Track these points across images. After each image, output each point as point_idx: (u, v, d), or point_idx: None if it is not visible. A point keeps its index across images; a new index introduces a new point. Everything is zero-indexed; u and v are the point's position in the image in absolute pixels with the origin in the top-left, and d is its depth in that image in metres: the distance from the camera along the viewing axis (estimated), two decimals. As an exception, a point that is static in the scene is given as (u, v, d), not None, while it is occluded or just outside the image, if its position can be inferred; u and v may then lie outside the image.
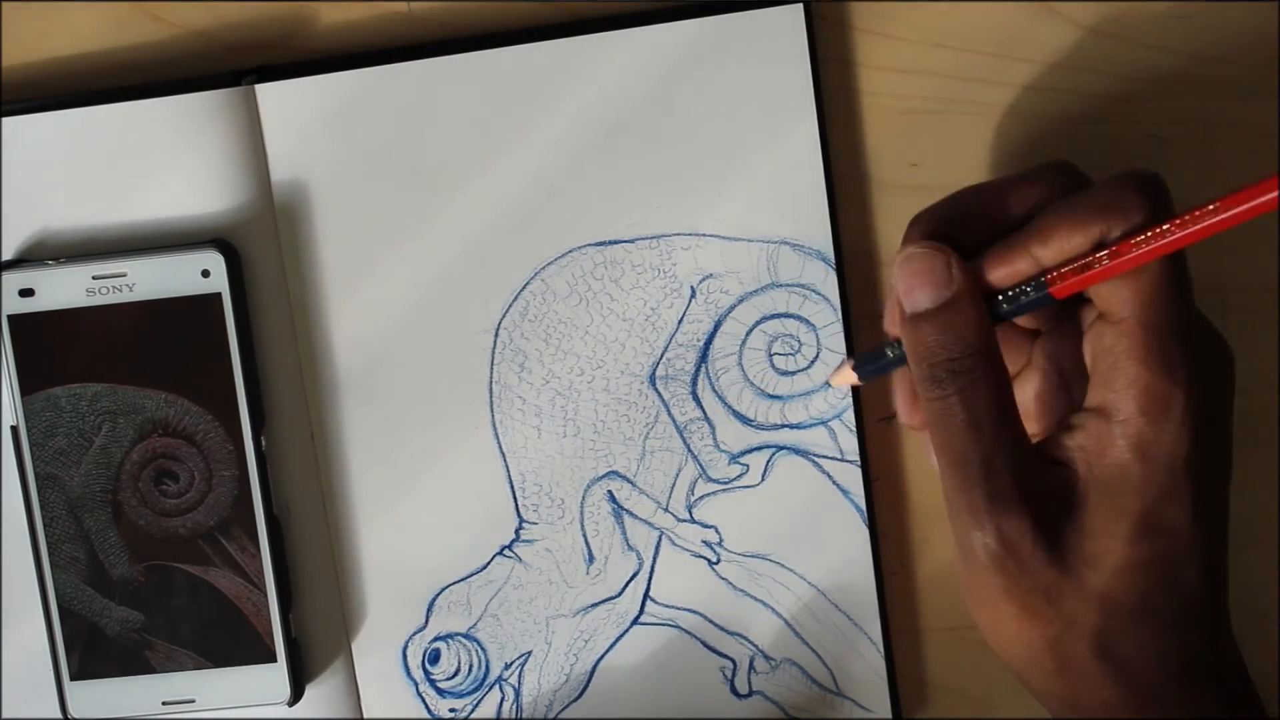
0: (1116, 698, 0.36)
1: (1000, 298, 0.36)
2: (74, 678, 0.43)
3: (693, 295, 0.44)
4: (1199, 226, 0.33)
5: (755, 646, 0.44)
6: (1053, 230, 0.35)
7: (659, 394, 0.44)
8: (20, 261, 0.43)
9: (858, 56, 0.44)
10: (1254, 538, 0.44)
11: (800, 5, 0.42)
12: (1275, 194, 0.31)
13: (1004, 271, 0.36)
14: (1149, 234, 0.33)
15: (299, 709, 0.44)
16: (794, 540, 0.44)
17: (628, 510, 0.44)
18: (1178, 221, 0.33)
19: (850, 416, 0.44)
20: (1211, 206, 0.32)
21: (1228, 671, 0.37)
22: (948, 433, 0.36)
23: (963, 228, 0.37)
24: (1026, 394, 0.40)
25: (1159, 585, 0.35)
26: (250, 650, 0.43)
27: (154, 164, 0.43)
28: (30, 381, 0.42)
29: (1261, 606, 0.44)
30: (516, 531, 0.44)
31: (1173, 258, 0.34)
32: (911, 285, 0.36)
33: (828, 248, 0.43)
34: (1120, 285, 0.34)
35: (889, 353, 0.39)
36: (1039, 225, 0.35)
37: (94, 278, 0.42)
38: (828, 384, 0.43)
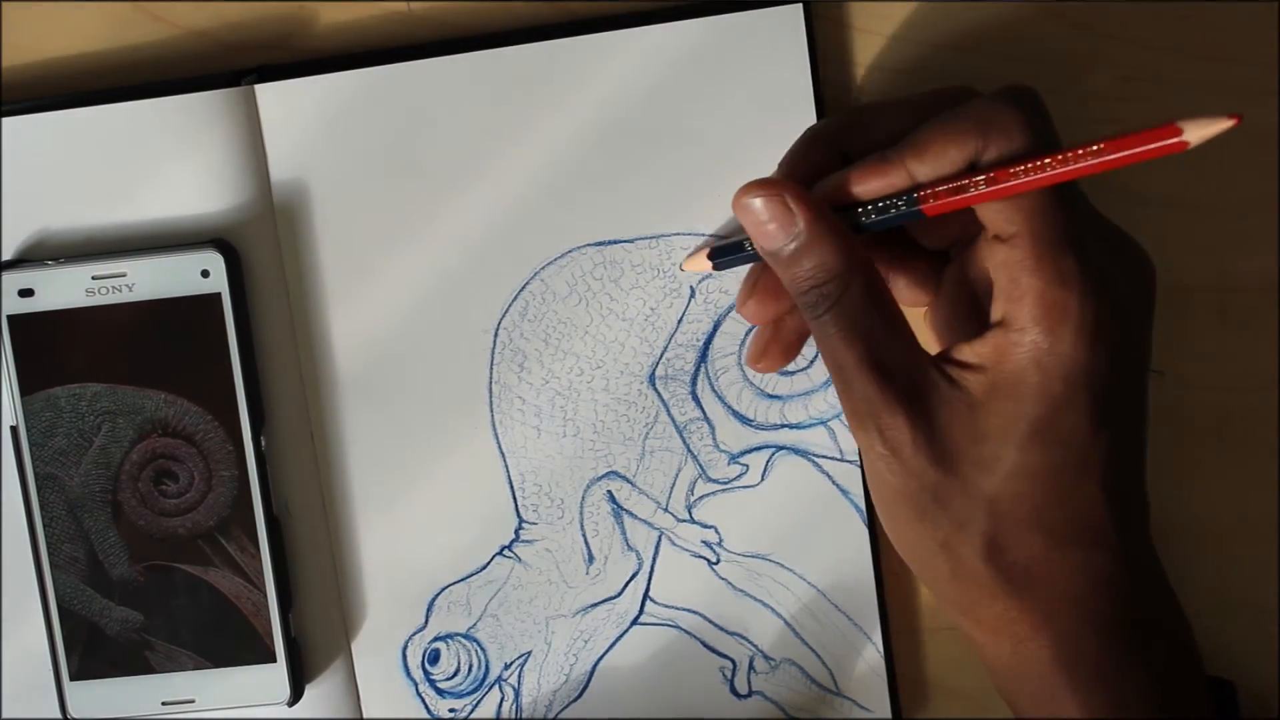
0: (1015, 610, 0.36)
1: (870, 208, 0.36)
2: (74, 678, 0.43)
3: (692, 295, 0.44)
4: (1077, 166, 0.33)
5: (755, 646, 0.44)
6: (928, 145, 0.35)
7: (658, 394, 0.44)
8: (20, 261, 0.43)
9: (857, 56, 0.44)
10: (1254, 538, 0.44)
11: (800, 5, 0.42)
12: (1154, 146, 0.31)
13: (878, 184, 0.36)
14: (1027, 166, 0.33)
15: (299, 709, 0.44)
16: (794, 540, 0.44)
17: (627, 510, 0.44)
18: (1058, 157, 0.33)
19: (850, 416, 0.44)
20: (1095, 147, 0.32)
21: (1147, 600, 0.36)
22: (826, 346, 0.36)
23: (854, 138, 0.38)
24: (941, 316, 0.40)
25: (1053, 497, 0.35)
26: (250, 650, 0.43)
27: (153, 164, 0.43)
28: (30, 382, 0.42)
29: (1261, 606, 0.44)
30: (516, 531, 0.44)
31: None
32: (757, 230, 0.37)
33: (827, 248, 0.43)
34: (1005, 203, 0.34)
35: (746, 246, 0.39)
36: (915, 139, 0.36)
37: (94, 278, 0.42)
38: (681, 267, 0.43)
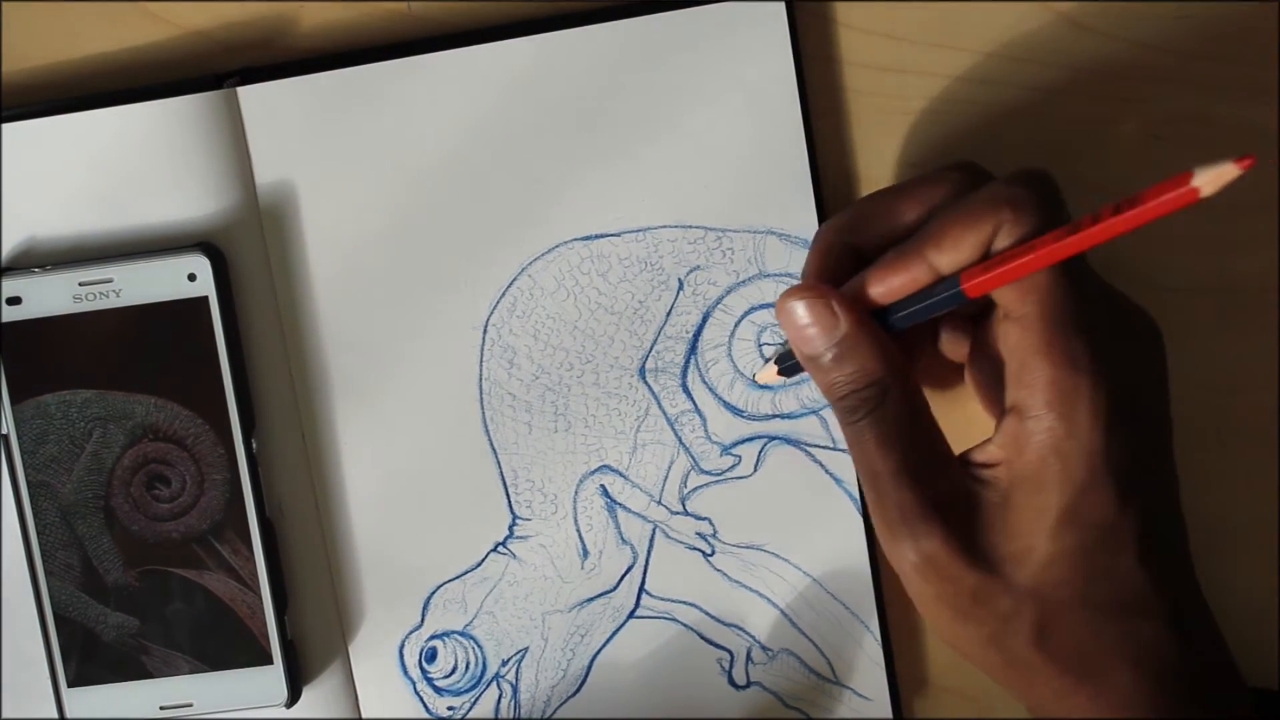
0: (1070, 686, 0.36)
1: (900, 310, 0.36)
2: (71, 684, 0.43)
3: (680, 287, 0.43)
4: (1111, 227, 0.31)
5: (752, 637, 0.44)
6: (945, 234, 0.35)
7: (649, 387, 0.44)
8: (7, 269, 0.43)
9: (843, 54, 0.43)
10: (1254, 538, 0.44)
11: (781, 2, 0.42)
12: (1181, 191, 0.30)
13: (901, 279, 0.36)
14: (1058, 234, 0.32)
15: (297, 710, 0.44)
16: (788, 530, 0.44)
17: (621, 504, 0.44)
18: (1091, 227, 0.32)
19: (842, 405, 0.43)
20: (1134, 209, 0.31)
21: (1196, 648, 0.36)
22: (860, 452, 0.36)
23: (866, 233, 0.38)
24: (979, 371, 0.39)
25: (1090, 575, 0.35)
26: (246, 653, 0.43)
27: (137, 169, 0.43)
28: (20, 389, 0.42)
29: (1261, 606, 0.44)
30: (510, 528, 0.44)
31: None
32: (799, 334, 0.37)
33: (815, 236, 0.43)
34: (1017, 283, 0.34)
35: None
36: (932, 229, 0.36)
37: (80, 284, 0.42)
38: (754, 381, 0.44)
